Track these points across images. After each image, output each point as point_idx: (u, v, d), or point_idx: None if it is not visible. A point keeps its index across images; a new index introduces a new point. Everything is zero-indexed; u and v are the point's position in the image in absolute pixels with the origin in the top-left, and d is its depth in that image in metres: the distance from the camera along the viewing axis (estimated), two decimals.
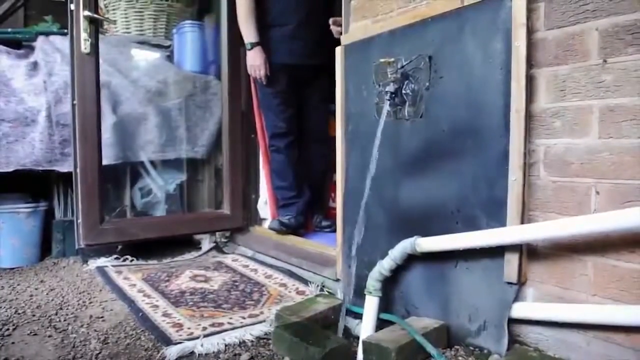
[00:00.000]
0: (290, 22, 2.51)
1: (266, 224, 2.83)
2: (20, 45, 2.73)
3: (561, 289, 1.25)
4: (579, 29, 1.19)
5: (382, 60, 1.62)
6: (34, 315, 1.75)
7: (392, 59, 1.60)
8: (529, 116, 1.28)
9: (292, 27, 2.51)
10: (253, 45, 2.47)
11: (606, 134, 1.15)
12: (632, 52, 1.10)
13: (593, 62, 1.17)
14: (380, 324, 1.51)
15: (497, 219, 1.32)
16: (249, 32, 2.49)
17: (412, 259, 1.53)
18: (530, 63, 1.27)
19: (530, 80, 1.28)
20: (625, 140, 1.12)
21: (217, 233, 2.92)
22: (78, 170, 2.31)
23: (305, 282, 2.08)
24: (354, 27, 1.85)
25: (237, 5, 2.51)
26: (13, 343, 1.52)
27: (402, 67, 1.57)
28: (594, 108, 1.17)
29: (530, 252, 1.31)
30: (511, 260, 1.31)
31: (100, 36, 2.45)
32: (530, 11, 1.26)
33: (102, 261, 2.47)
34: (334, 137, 1.93)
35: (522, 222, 1.28)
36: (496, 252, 1.32)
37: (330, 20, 2.32)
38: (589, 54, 1.18)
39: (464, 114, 1.41)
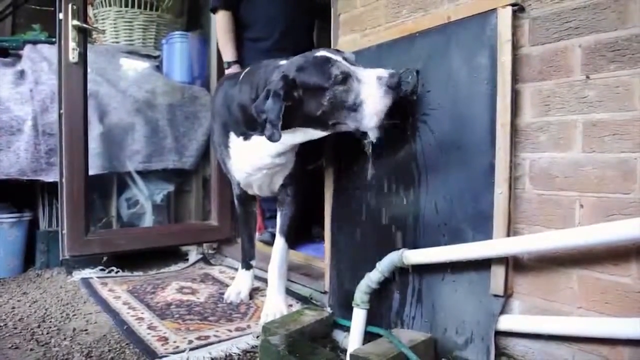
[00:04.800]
0: (267, 36, 2.53)
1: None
2: (7, 53, 2.71)
3: (547, 302, 1.26)
4: (563, 45, 1.21)
5: None
6: (15, 328, 1.72)
7: None
8: (514, 130, 1.30)
9: (269, 42, 2.52)
10: (230, 64, 2.49)
11: (590, 148, 1.17)
12: (613, 68, 1.12)
13: (576, 78, 1.19)
14: (368, 337, 1.50)
15: (484, 231, 1.33)
16: (226, 51, 2.51)
17: (399, 271, 1.53)
18: (515, 78, 1.29)
19: (515, 95, 1.30)
20: (608, 154, 1.14)
21: (204, 244, 2.90)
22: (64, 180, 2.29)
23: (293, 294, 2.07)
24: (343, 41, 1.87)
25: (216, 24, 2.53)
26: None
27: None
28: (577, 123, 1.19)
29: (516, 265, 1.32)
30: (497, 273, 1.31)
31: (89, 45, 2.44)
32: (515, 27, 1.28)
33: (86, 272, 2.43)
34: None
35: (508, 235, 1.29)
36: (482, 264, 1.33)
37: None
38: (572, 70, 1.20)
39: (450, 128, 1.43)
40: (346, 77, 1.42)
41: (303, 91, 1.47)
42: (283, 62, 1.59)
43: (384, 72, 1.41)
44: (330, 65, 1.43)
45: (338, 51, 1.53)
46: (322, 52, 1.50)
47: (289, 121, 1.47)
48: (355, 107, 1.42)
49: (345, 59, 1.47)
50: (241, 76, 1.77)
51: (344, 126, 1.50)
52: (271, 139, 1.45)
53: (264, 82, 1.57)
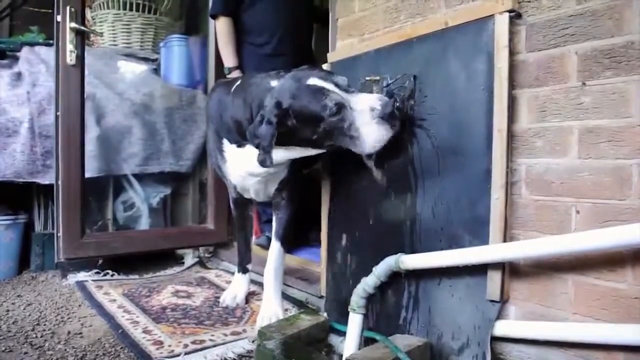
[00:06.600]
0: (267, 41, 2.52)
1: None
2: (4, 55, 2.70)
3: (543, 307, 1.26)
4: (559, 52, 1.22)
5: (368, 78, 1.64)
6: (9, 331, 1.70)
7: (378, 78, 1.62)
8: (511, 136, 1.30)
9: (270, 47, 2.52)
10: (231, 69, 2.49)
11: (586, 155, 1.17)
12: (609, 75, 1.13)
13: (572, 85, 1.20)
14: (364, 342, 1.50)
15: (480, 237, 1.33)
16: (227, 56, 2.51)
17: (396, 276, 1.53)
18: (512, 84, 1.30)
19: (512, 101, 1.30)
20: (603, 160, 1.14)
21: (200, 248, 2.89)
22: (60, 182, 2.28)
23: (289, 298, 2.06)
24: (340, 45, 1.88)
25: (216, 30, 2.53)
26: None
27: (388, 85, 1.59)
28: (573, 129, 1.20)
29: (512, 271, 1.32)
30: (494, 278, 1.31)
31: (87, 48, 2.44)
32: (512, 34, 1.29)
33: (82, 276, 2.42)
34: None
35: (505, 241, 1.29)
36: (479, 270, 1.33)
37: None
38: (569, 76, 1.20)
39: (447, 133, 1.43)
40: (340, 108, 1.42)
41: (296, 120, 1.48)
42: (274, 83, 1.58)
43: (377, 102, 1.42)
44: (324, 97, 1.43)
45: (330, 73, 1.53)
46: (314, 80, 1.47)
47: (284, 141, 1.50)
48: (350, 134, 1.44)
49: (337, 84, 1.46)
50: (233, 88, 1.77)
51: (339, 147, 1.51)
52: (263, 164, 1.48)
53: (257, 103, 1.57)
